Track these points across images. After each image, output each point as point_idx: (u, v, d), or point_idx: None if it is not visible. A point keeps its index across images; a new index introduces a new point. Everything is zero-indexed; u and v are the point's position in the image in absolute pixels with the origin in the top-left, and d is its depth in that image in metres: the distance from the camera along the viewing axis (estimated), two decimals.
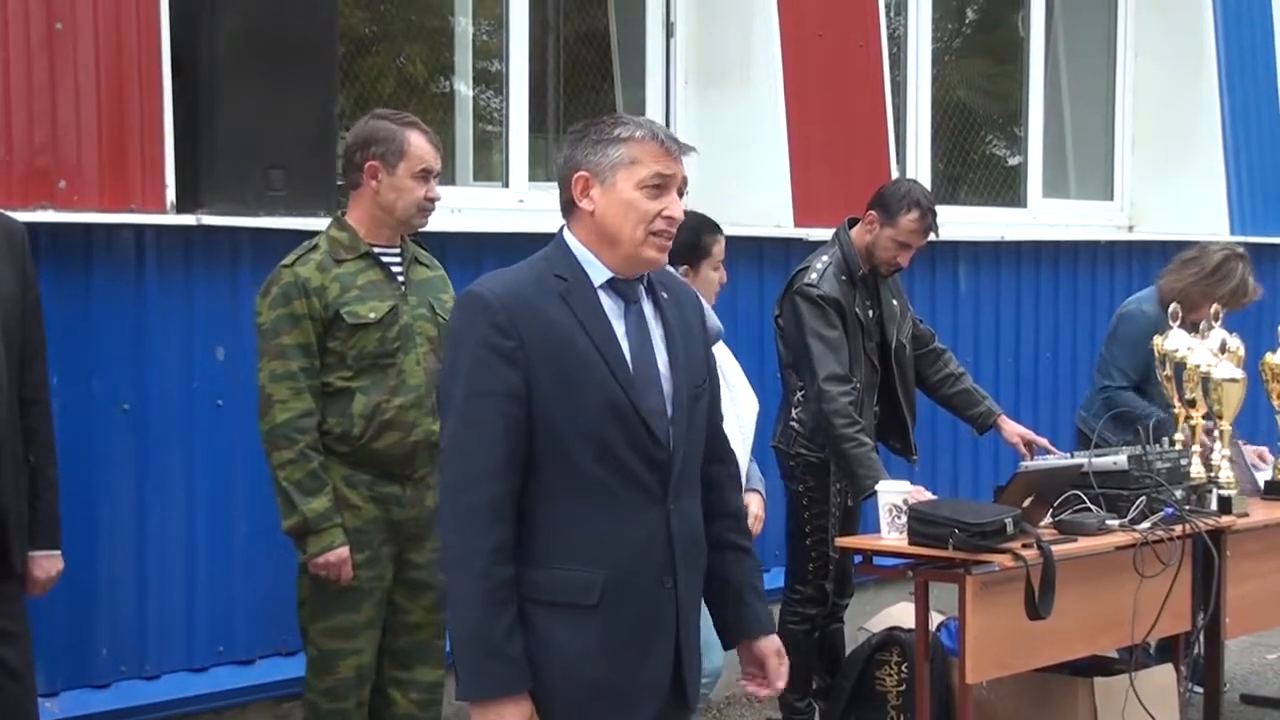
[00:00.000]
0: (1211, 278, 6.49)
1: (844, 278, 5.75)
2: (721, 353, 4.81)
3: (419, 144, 4.64)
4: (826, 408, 5.55)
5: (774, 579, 6.39)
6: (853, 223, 5.90)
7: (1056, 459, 5.73)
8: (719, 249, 5.21)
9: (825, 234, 6.07)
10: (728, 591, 3.47)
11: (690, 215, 5.28)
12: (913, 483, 5.28)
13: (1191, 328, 6.06)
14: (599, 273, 3.26)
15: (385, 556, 4.63)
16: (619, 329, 3.25)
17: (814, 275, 5.72)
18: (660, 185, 3.24)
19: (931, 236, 5.86)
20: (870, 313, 5.84)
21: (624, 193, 3.22)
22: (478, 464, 3.14)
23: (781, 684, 3.49)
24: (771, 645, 3.49)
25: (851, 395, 5.59)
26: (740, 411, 5.04)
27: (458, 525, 3.16)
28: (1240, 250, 6.69)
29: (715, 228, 5.24)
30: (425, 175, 4.65)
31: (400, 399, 4.58)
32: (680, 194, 3.29)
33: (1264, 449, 6.30)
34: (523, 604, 3.16)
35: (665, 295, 3.36)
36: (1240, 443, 6.15)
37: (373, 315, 4.57)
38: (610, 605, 3.19)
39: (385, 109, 4.83)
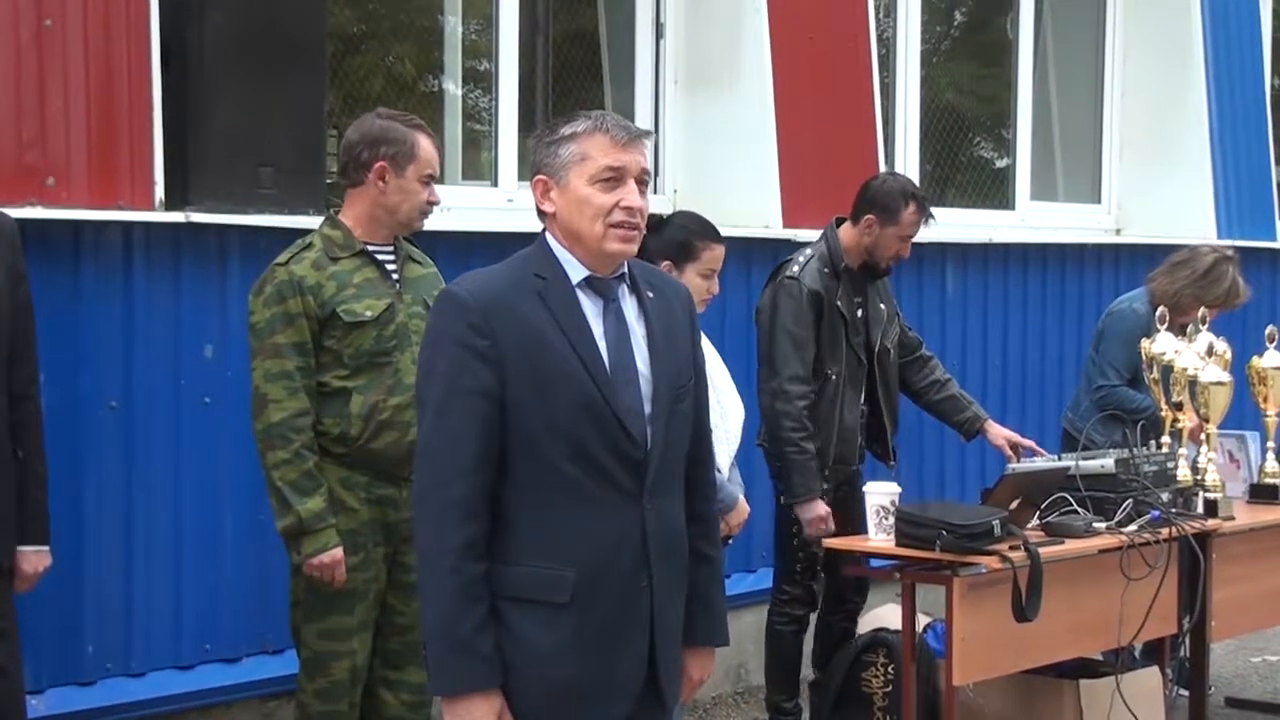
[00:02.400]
0: (1203, 280, 6.50)
1: (827, 270, 5.76)
2: (709, 357, 4.78)
3: (428, 148, 4.63)
4: (780, 407, 5.60)
5: (762, 579, 6.41)
6: (839, 222, 5.90)
7: (1043, 461, 5.75)
8: (709, 256, 5.02)
9: (814, 235, 6.06)
10: None
11: (691, 217, 5.26)
12: (899, 484, 5.27)
13: (1179, 330, 6.07)
14: (576, 271, 3.26)
15: (379, 558, 4.61)
16: (596, 328, 3.25)
17: (796, 268, 5.75)
18: (613, 178, 3.22)
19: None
20: (858, 311, 5.84)
21: (578, 190, 3.23)
22: (451, 462, 3.16)
23: (682, 701, 3.48)
24: (698, 660, 3.51)
25: (808, 399, 5.64)
26: (726, 415, 5.01)
27: (430, 522, 3.18)
28: (1230, 253, 6.70)
29: (713, 235, 5.06)
30: (430, 179, 4.64)
31: (397, 398, 4.54)
32: (641, 183, 3.26)
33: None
34: (496, 600, 3.18)
35: (651, 294, 3.35)
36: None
37: (369, 313, 4.53)
38: (582, 603, 3.20)
39: (387, 109, 4.77)
